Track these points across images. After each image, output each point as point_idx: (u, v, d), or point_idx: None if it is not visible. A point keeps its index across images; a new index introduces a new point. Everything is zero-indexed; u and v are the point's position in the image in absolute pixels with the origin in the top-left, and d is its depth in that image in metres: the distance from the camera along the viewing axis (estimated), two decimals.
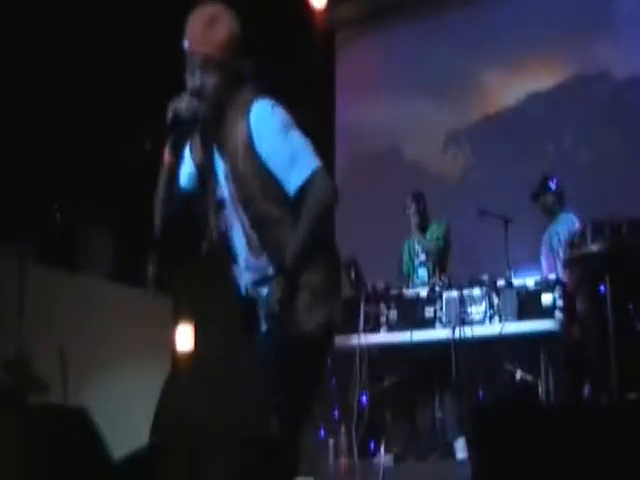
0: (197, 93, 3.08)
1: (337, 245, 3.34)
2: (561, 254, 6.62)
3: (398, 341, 6.21)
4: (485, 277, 6.02)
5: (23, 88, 6.92)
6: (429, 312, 6.13)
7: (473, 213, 6.99)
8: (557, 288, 5.69)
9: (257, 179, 3.09)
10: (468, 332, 5.86)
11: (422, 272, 7.35)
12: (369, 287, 6.47)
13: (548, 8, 8.85)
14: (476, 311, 5.92)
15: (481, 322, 5.88)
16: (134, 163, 2.93)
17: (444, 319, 6.02)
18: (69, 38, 7.15)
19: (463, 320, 5.91)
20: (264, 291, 3.12)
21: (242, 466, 2.88)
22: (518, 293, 5.81)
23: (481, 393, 6.45)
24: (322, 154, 3.16)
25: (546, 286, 5.75)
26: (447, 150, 9.60)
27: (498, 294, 5.87)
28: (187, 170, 3.28)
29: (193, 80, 3.10)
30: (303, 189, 3.06)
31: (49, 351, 5.30)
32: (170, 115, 3.04)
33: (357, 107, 10.31)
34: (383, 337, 6.27)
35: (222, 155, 3.18)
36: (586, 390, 6.03)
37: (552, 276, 5.92)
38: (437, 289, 6.18)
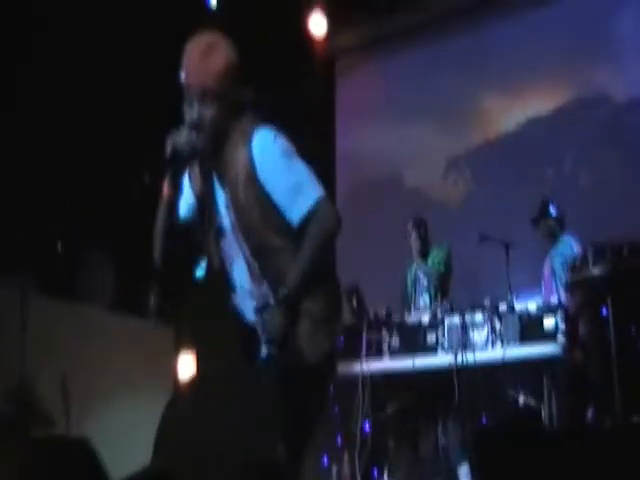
0: (196, 126, 3.07)
1: (339, 272, 3.35)
2: (563, 278, 6.62)
3: (400, 368, 6.19)
4: (487, 302, 6.02)
5: (24, 116, 6.95)
6: (431, 338, 6.12)
7: (474, 238, 6.99)
8: (559, 312, 5.68)
9: (258, 207, 3.09)
10: (470, 357, 5.85)
11: (424, 298, 7.36)
12: (371, 314, 6.46)
13: (547, 32, 8.89)
14: (478, 336, 5.91)
15: (483, 347, 5.87)
16: (134, 194, 2.93)
17: (446, 345, 6.01)
18: (70, 77, 7.20)
19: (465, 345, 5.90)
20: (265, 317, 3.12)
21: None
22: (520, 317, 5.80)
23: (484, 418, 6.43)
24: (323, 181, 3.17)
25: (548, 310, 5.74)
26: (448, 176, 9.62)
27: (500, 319, 5.86)
28: (186, 200, 3.28)
29: (191, 112, 3.10)
30: (307, 218, 3.08)
31: (51, 381, 5.29)
32: (169, 149, 3.04)
33: (357, 134, 10.34)
34: (385, 364, 6.26)
35: (222, 184, 3.18)
36: (589, 414, 6.01)
37: (554, 300, 5.91)
38: (439, 315, 6.18)
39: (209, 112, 3.08)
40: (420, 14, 9.78)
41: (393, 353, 6.25)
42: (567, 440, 3.10)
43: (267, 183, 3.08)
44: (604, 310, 5.77)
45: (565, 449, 2.97)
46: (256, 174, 3.08)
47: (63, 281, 6.26)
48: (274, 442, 2.94)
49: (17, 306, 5.17)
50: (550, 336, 5.66)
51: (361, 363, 6.19)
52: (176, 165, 3.07)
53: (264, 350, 3.15)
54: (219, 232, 3.21)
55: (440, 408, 6.24)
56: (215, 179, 3.21)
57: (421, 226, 7.48)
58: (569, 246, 6.87)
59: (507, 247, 6.85)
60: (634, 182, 8.06)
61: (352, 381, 6.18)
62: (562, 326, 5.61)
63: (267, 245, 3.12)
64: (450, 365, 5.89)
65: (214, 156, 3.16)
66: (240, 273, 3.22)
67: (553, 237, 7.13)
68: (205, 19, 8.61)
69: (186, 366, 6.52)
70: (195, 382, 3.22)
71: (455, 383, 5.79)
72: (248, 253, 3.16)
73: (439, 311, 6.24)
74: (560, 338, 5.60)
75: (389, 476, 6.04)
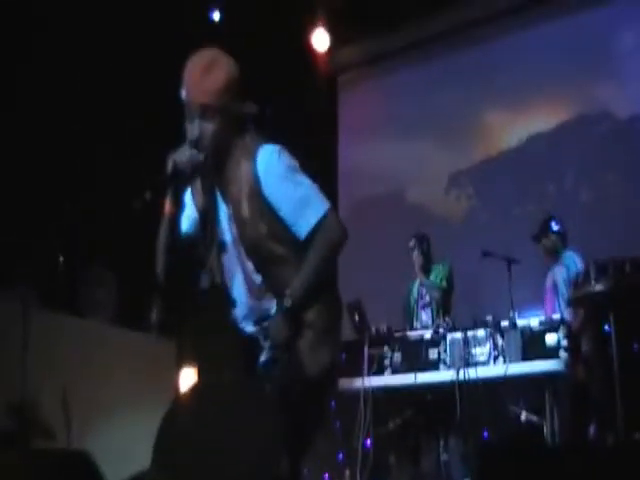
0: (196, 143, 3.08)
1: (341, 287, 3.37)
2: (565, 294, 6.62)
3: (402, 383, 6.18)
4: (489, 318, 6.00)
5: (26, 130, 6.97)
6: (433, 354, 6.10)
7: (477, 254, 6.99)
8: (561, 328, 5.67)
9: (263, 221, 3.10)
10: (472, 373, 5.83)
11: (426, 314, 7.36)
12: (373, 330, 6.45)
13: (549, 49, 8.91)
14: (480, 352, 5.89)
15: (485, 363, 5.85)
16: (136, 209, 2.92)
17: (448, 361, 5.99)
18: (73, 90, 7.23)
19: (467, 361, 5.89)
20: (269, 325, 3.13)
21: None
22: (522, 333, 5.78)
23: (486, 434, 6.41)
24: (325, 196, 3.18)
25: (550, 326, 5.72)
26: (450, 191, 9.63)
27: (502, 335, 5.85)
28: (188, 214, 3.29)
29: (192, 129, 3.11)
30: (314, 231, 3.10)
31: (52, 395, 5.27)
32: (170, 167, 3.04)
33: (359, 150, 10.36)
34: (387, 379, 6.25)
35: (224, 198, 3.19)
36: (591, 430, 6.00)
37: (556, 316, 5.90)
38: (441, 331, 6.17)
39: (210, 128, 3.09)
40: (422, 31, 9.81)
41: (395, 369, 6.23)
42: (569, 456, 3.09)
43: (273, 198, 3.10)
44: (606, 326, 5.78)
45: (567, 465, 2.96)
46: (261, 189, 3.09)
47: (65, 295, 6.26)
48: (274, 455, 2.94)
49: (19, 320, 5.16)
50: (552, 352, 5.64)
51: (363, 378, 6.17)
52: (177, 182, 3.08)
53: (264, 356, 3.16)
54: (221, 247, 3.22)
55: (442, 424, 6.22)
56: (217, 194, 3.22)
57: (423, 242, 7.50)
58: (571, 262, 6.88)
59: (509, 263, 6.85)
60: (636, 198, 8.06)
61: (354, 396, 6.17)
62: (564, 342, 5.60)
63: (272, 258, 3.14)
64: (452, 381, 5.88)
65: (216, 172, 3.18)
66: (240, 288, 3.23)
67: (555, 253, 7.13)
68: (208, 33, 8.65)
69: (187, 380, 6.52)
70: (194, 394, 3.21)
71: (457, 399, 5.77)
72: (251, 267, 3.17)
73: (441, 327, 6.23)
74: (562, 354, 5.59)
75: None
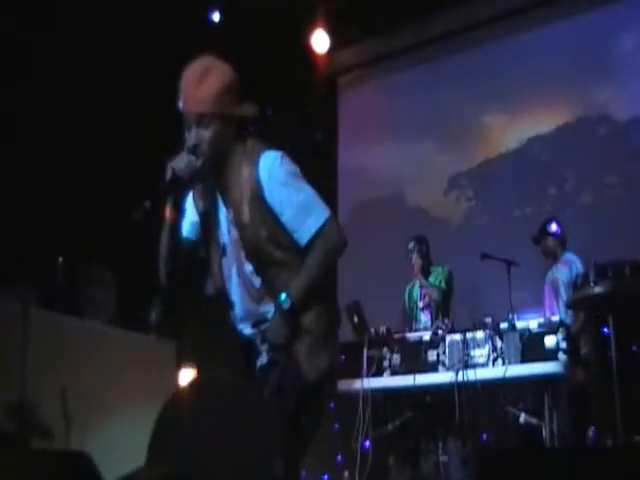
0: (194, 150, 3.10)
1: (340, 289, 3.41)
2: (564, 296, 6.62)
3: (401, 385, 6.17)
4: (488, 320, 5.99)
5: (30, 135, 6.98)
6: (432, 356, 6.10)
7: (476, 256, 7.01)
8: (560, 330, 5.66)
9: (264, 226, 3.13)
10: (471, 375, 5.82)
11: (425, 316, 7.36)
12: (372, 331, 6.44)
13: (549, 51, 8.91)
14: (479, 354, 5.89)
15: (484, 365, 5.84)
16: (137, 213, 2.94)
17: (447, 362, 5.99)
18: (72, 96, 7.24)
19: (466, 363, 5.88)
20: (268, 327, 3.15)
21: None
22: (521, 336, 5.78)
23: (485, 436, 6.41)
24: (324, 198, 3.19)
25: (549, 328, 5.71)
26: (450, 193, 9.62)
27: (501, 337, 5.84)
28: (189, 219, 3.31)
29: (190, 137, 3.13)
30: (314, 237, 3.13)
31: (52, 395, 5.28)
32: (169, 174, 3.06)
33: (359, 151, 10.35)
34: (386, 381, 6.24)
35: (225, 202, 3.20)
36: (591, 432, 6.00)
37: (555, 318, 5.89)
38: (440, 332, 6.16)
39: (206, 135, 3.12)
40: (422, 32, 9.81)
41: (394, 370, 6.23)
42: (568, 459, 3.09)
43: (274, 204, 3.13)
44: (605, 329, 5.78)
45: (566, 468, 2.96)
46: (262, 194, 3.12)
47: (64, 295, 6.26)
48: (269, 455, 2.95)
49: (19, 320, 5.17)
50: (551, 354, 5.63)
51: (362, 380, 6.17)
52: (176, 189, 3.10)
53: (262, 360, 3.17)
54: (221, 250, 3.23)
55: (441, 425, 6.22)
56: (218, 198, 3.23)
57: (422, 244, 7.51)
58: (571, 264, 6.88)
59: (509, 265, 6.86)
60: (636, 201, 8.06)
61: (353, 398, 6.17)
62: (563, 344, 5.59)
63: (271, 262, 3.16)
64: (451, 383, 5.87)
65: (217, 176, 3.19)
66: (239, 291, 3.25)
67: (554, 255, 7.14)
68: (208, 35, 8.66)
69: (187, 380, 6.52)
70: (188, 392, 3.22)
71: (456, 401, 5.77)
72: (250, 270, 3.19)
73: (440, 329, 6.23)
74: (561, 356, 5.58)
75: None
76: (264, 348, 3.16)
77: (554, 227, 7.13)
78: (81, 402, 5.44)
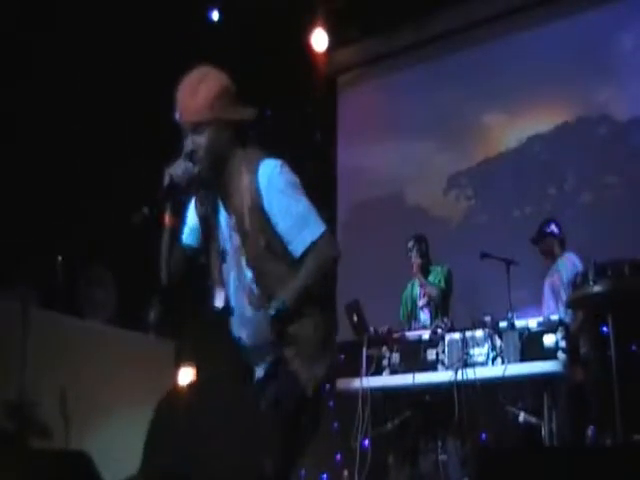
0: (191, 156, 3.14)
1: (340, 288, 3.40)
2: (563, 295, 6.62)
3: (401, 384, 6.17)
4: (487, 319, 5.99)
5: (30, 135, 6.99)
6: (431, 355, 6.10)
7: (475, 255, 7.01)
8: (560, 329, 5.65)
9: (263, 235, 3.14)
10: (471, 374, 5.82)
11: (424, 315, 7.36)
12: (371, 330, 6.45)
13: (549, 50, 8.91)
14: (478, 353, 5.89)
15: (484, 364, 5.84)
16: (135, 225, 2.96)
17: (446, 361, 5.99)
18: (72, 96, 7.25)
19: (465, 362, 5.88)
20: (255, 324, 3.16)
21: None
22: (520, 334, 5.77)
23: (484, 435, 6.41)
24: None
25: (549, 327, 5.71)
26: (449, 193, 9.62)
27: (500, 336, 5.84)
28: (190, 225, 3.33)
29: (187, 144, 3.17)
30: (308, 250, 3.13)
31: (51, 394, 5.29)
32: (166, 181, 3.09)
33: (359, 151, 10.35)
34: (385, 380, 6.24)
35: (227, 208, 3.21)
36: (590, 431, 6.00)
37: (555, 317, 5.88)
38: (439, 331, 6.16)
39: (202, 141, 3.15)
40: (421, 31, 9.81)
41: (393, 369, 6.23)
42: (567, 458, 3.09)
43: (272, 214, 3.14)
44: (605, 328, 5.77)
45: (565, 467, 2.96)
46: (262, 203, 3.13)
47: (64, 295, 6.27)
48: (261, 456, 2.96)
49: (18, 320, 5.17)
50: (550, 353, 5.63)
51: (361, 379, 6.17)
52: (174, 195, 3.12)
53: (260, 372, 3.18)
54: (221, 256, 3.24)
55: (440, 424, 6.22)
56: (219, 204, 3.24)
57: (422, 243, 7.51)
58: (570, 264, 6.88)
59: (508, 264, 6.86)
60: (635, 200, 8.06)
61: (352, 397, 6.17)
62: (562, 343, 5.59)
63: (269, 270, 3.17)
64: (450, 382, 5.87)
65: (218, 182, 3.20)
66: (238, 297, 3.25)
67: (553, 255, 7.14)
68: (207, 34, 8.66)
69: (186, 380, 6.53)
70: (181, 395, 3.22)
71: (455, 399, 5.77)
72: (250, 277, 3.19)
73: (440, 327, 6.23)
74: (560, 355, 5.58)
75: None
76: (261, 359, 3.17)
77: (553, 227, 7.13)
78: (80, 401, 5.45)
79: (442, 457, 6.16)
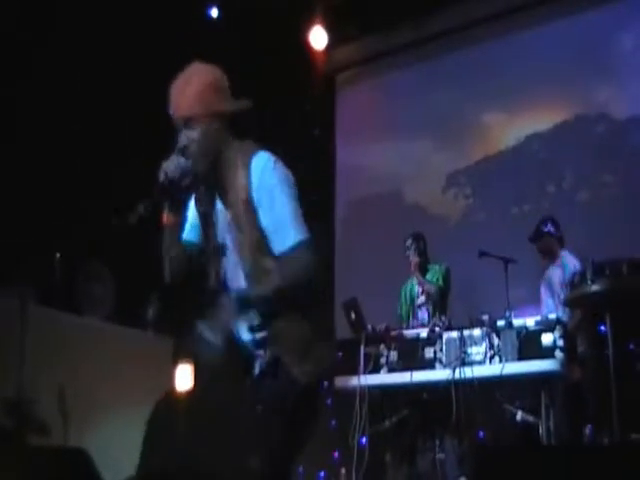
0: (184, 151, 3.14)
1: (338, 286, 3.39)
2: (561, 294, 6.63)
3: (398, 382, 6.17)
4: (485, 317, 5.99)
5: (25, 140, 6.99)
6: (429, 353, 6.10)
7: (474, 253, 7.01)
8: (557, 328, 5.66)
9: (254, 230, 3.12)
10: (468, 372, 5.83)
11: (422, 313, 7.37)
12: (369, 328, 6.45)
13: (548, 50, 8.91)
14: (476, 351, 5.89)
15: (481, 362, 5.84)
16: (131, 224, 2.97)
17: (444, 360, 5.99)
18: (71, 96, 7.25)
19: (463, 361, 5.88)
20: (260, 335, 3.15)
21: None
22: (518, 333, 5.78)
23: (482, 433, 6.42)
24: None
25: (546, 326, 5.71)
26: (447, 191, 9.63)
27: (498, 334, 5.84)
28: (191, 221, 3.34)
29: (180, 140, 3.17)
30: (285, 253, 3.09)
31: (49, 392, 5.29)
32: (161, 177, 3.09)
33: (357, 149, 10.36)
34: (383, 378, 6.24)
35: (224, 203, 3.21)
36: (587, 430, 6.00)
37: (552, 316, 5.89)
38: (437, 330, 6.17)
39: (194, 135, 3.16)
40: (420, 30, 9.81)
41: (391, 367, 6.23)
42: (564, 457, 3.09)
43: (259, 209, 3.11)
44: (602, 327, 5.77)
45: (562, 466, 2.96)
46: (253, 198, 3.11)
47: (62, 292, 6.27)
48: (263, 458, 2.97)
49: (17, 317, 5.18)
50: (548, 352, 5.63)
51: (359, 377, 6.18)
52: (169, 191, 3.12)
53: (257, 368, 3.18)
54: (221, 250, 3.24)
55: (438, 423, 6.22)
56: (217, 199, 3.24)
57: (420, 241, 7.52)
58: (568, 263, 6.89)
59: (506, 263, 6.86)
60: (634, 199, 8.07)
61: (350, 395, 6.17)
62: (560, 342, 5.60)
63: (261, 266, 3.15)
64: (448, 380, 5.88)
65: (214, 177, 3.20)
66: (236, 290, 3.24)
67: (551, 254, 7.14)
68: (206, 31, 8.66)
69: (184, 378, 6.52)
70: (188, 397, 3.23)
71: (453, 398, 5.78)
72: (245, 272, 3.19)
73: (437, 326, 6.23)
74: (558, 354, 5.58)
75: None
76: (260, 353, 3.17)
77: (551, 226, 7.13)
78: (79, 398, 5.45)
79: (440, 455, 6.17)
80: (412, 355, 6.17)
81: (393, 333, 6.41)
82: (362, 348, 6.29)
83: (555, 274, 6.99)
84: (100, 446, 4.02)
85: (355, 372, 6.21)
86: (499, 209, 9.13)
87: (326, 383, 3.34)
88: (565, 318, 6.21)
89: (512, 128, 9.27)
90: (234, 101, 3.25)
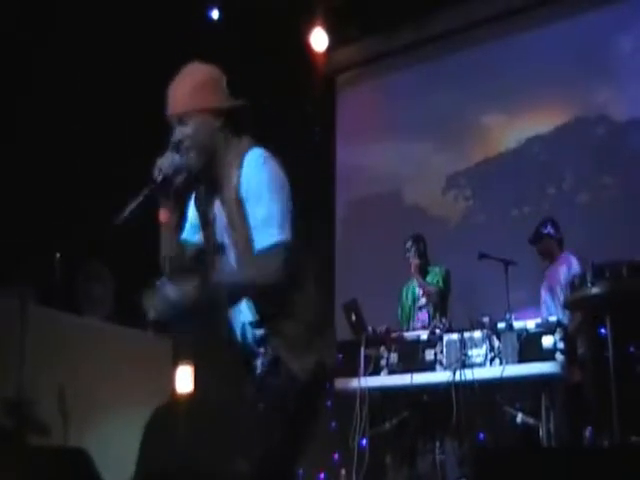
0: (177, 147, 3.15)
1: (338, 288, 3.38)
2: (561, 296, 6.63)
3: (399, 384, 6.18)
4: (485, 320, 6.00)
5: (26, 139, 6.99)
6: (430, 355, 6.10)
7: (474, 255, 7.01)
8: (558, 330, 5.66)
9: (245, 229, 3.11)
10: (469, 375, 5.83)
11: (422, 315, 7.37)
12: (369, 330, 6.45)
13: (548, 51, 8.91)
14: (477, 354, 5.89)
15: (482, 365, 5.85)
16: (126, 223, 2.97)
17: (445, 362, 5.99)
18: (71, 96, 7.25)
19: (464, 363, 5.88)
20: (259, 333, 3.15)
21: None
22: (519, 335, 5.78)
23: (482, 436, 6.41)
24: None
25: (547, 328, 5.72)
26: (447, 193, 9.63)
27: (499, 337, 5.84)
28: (191, 220, 3.34)
29: (174, 136, 3.18)
30: (261, 252, 3.05)
31: (49, 392, 5.29)
32: (155, 173, 3.10)
33: (357, 150, 10.36)
34: (384, 380, 6.24)
35: (222, 201, 3.20)
36: (587, 433, 6.00)
37: (553, 318, 5.89)
38: (437, 332, 6.17)
39: (187, 130, 3.16)
40: (421, 31, 9.81)
41: (391, 369, 6.23)
42: (565, 459, 3.10)
43: (246, 205, 3.09)
44: (602, 329, 5.78)
45: (563, 468, 2.97)
46: (242, 196, 3.10)
47: (62, 292, 6.27)
48: (265, 457, 2.97)
49: (17, 317, 5.18)
50: (548, 354, 5.64)
51: (359, 379, 6.18)
52: (163, 187, 3.11)
53: (258, 367, 3.18)
54: (219, 249, 3.24)
55: (438, 425, 6.22)
56: (216, 198, 3.23)
57: (420, 242, 7.51)
58: (568, 264, 6.88)
59: (506, 265, 6.86)
60: (634, 201, 8.07)
61: (350, 396, 6.17)
62: (560, 344, 5.60)
63: None
64: (448, 382, 5.88)
65: (210, 174, 3.20)
66: None
67: (551, 256, 7.14)
68: (206, 32, 8.67)
69: (183, 378, 6.52)
70: (188, 398, 3.24)
71: (453, 400, 5.78)
72: None
73: (438, 328, 6.23)
74: (558, 356, 5.59)
75: None
76: (261, 351, 3.17)
77: (550, 228, 7.13)
78: (79, 399, 5.45)
79: (440, 457, 6.16)
80: (412, 357, 6.17)
81: (393, 335, 6.41)
82: (362, 350, 6.29)
83: (555, 276, 6.99)
84: (100, 446, 4.03)
85: (355, 374, 6.21)
86: (499, 211, 9.13)
87: (328, 384, 3.31)
88: (565, 320, 6.21)
89: (512, 130, 9.27)
90: (229, 98, 3.25)
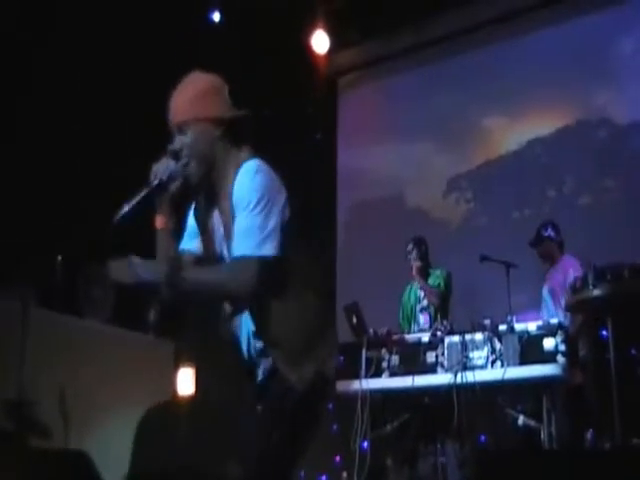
0: (174, 154, 3.14)
1: (339, 290, 3.38)
2: (562, 299, 6.62)
3: (400, 386, 6.17)
4: (487, 322, 6.00)
5: (26, 139, 6.99)
6: (431, 357, 6.10)
7: (475, 258, 7.01)
8: (559, 333, 5.66)
9: None
10: (470, 377, 5.83)
11: (424, 317, 7.37)
12: (371, 332, 6.45)
13: (549, 54, 8.92)
14: (478, 356, 5.89)
15: (483, 367, 5.84)
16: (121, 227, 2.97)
17: (446, 364, 5.99)
18: (71, 96, 7.25)
19: (465, 365, 5.88)
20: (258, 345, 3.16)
21: None
22: (520, 338, 5.78)
23: (483, 438, 6.41)
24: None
25: (548, 331, 5.72)
26: (449, 195, 9.63)
27: (500, 339, 5.84)
28: (191, 230, 3.33)
29: (173, 144, 3.17)
30: (237, 260, 3.03)
31: (50, 394, 5.28)
32: (152, 178, 3.10)
33: (359, 153, 10.36)
34: (385, 382, 6.24)
35: (220, 212, 3.20)
36: (589, 435, 6.00)
37: (554, 321, 5.89)
38: (439, 334, 6.17)
39: (186, 139, 3.15)
40: (422, 34, 9.82)
41: (393, 371, 6.23)
42: (566, 461, 3.09)
43: (234, 215, 3.07)
44: (604, 331, 5.78)
45: (564, 470, 2.96)
46: (233, 207, 3.09)
47: (63, 294, 6.26)
48: (265, 462, 2.97)
49: (17, 319, 5.17)
50: (550, 357, 5.64)
51: (361, 381, 6.17)
52: (158, 192, 3.12)
53: (260, 376, 3.18)
54: (218, 259, 3.23)
55: (439, 427, 6.22)
56: (215, 208, 3.23)
57: (421, 245, 7.51)
58: (569, 267, 6.88)
59: (508, 267, 6.87)
60: (635, 204, 8.07)
61: (351, 399, 6.17)
62: (562, 347, 5.60)
63: None
64: (450, 384, 5.88)
65: (209, 185, 3.20)
66: None
67: (552, 258, 7.13)
68: (207, 36, 8.67)
69: (184, 382, 6.52)
70: (189, 402, 3.24)
71: (454, 402, 5.77)
72: None
73: (439, 330, 6.23)
74: (560, 359, 5.58)
75: None
76: (262, 361, 3.17)
77: (551, 230, 7.13)
78: (79, 401, 5.44)
79: (441, 460, 6.16)
80: (414, 359, 6.17)
81: (395, 337, 6.41)
82: (364, 352, 6.29)
83: (556, 278, 6.98)
84: (101, 448, 4.02)
85: (357, 376, 6.21)
86: (500, 213, 9.13)
87: (329, 390, 3.30)
88: (567, 323, 6.21)
89: (513, 132, 9.27)
90: (229, 108, 3.24)
